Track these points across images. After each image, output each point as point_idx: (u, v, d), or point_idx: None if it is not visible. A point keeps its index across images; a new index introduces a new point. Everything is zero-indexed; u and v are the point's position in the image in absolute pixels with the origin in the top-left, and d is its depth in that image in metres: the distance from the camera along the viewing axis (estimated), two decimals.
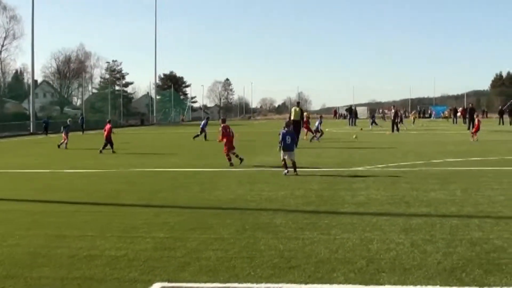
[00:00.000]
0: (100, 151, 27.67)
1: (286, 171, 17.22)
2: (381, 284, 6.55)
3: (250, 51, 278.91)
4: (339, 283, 6.61)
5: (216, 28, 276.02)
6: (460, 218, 10.34)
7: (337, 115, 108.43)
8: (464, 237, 8.87)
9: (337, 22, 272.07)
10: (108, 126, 28.98)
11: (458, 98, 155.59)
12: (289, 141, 17.61)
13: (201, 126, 39.77)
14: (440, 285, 6.50)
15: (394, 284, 6.56)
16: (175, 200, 12.87)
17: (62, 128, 35.15)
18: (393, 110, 50.72)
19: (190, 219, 10.59)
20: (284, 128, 18.12)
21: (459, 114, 76.36)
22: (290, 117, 28.69)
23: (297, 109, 30.15)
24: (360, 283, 6.57)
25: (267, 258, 7.69)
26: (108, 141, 28.30)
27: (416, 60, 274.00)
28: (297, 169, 17.24)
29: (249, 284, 6.58)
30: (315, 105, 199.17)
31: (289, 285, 6.55)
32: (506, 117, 70.53)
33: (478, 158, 21.98)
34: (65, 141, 32.72)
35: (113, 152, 27.51)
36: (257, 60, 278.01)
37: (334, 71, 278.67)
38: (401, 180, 15.46)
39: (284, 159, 17.51)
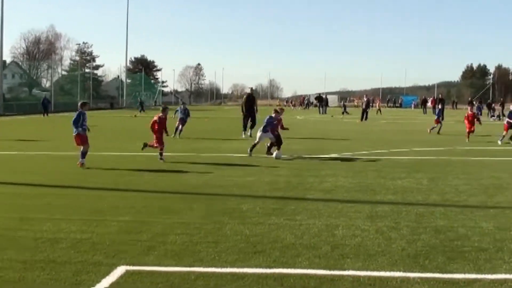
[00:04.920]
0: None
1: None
2: (345, 269, 6.58)
3: (222, 37, 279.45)
4: (303, 267, 6.64)
5: (188, 13, 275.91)
6: (426, 206, 10.45)
7: (305, 103, 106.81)
8: (429, 224, 8.96)
9: (311, 9, 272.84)
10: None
11: (429, 88, 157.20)
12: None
13: (179, 117, 27.73)
14: (403, 271, 6.56)
15: (358, 269, 6.60)
16: (142, 184, 12.78)
17: None
18: (364, 99, 51.01)
19: (156, 203, 10.54)
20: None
21: (429, 104, 76.92)
22: (243, 105, 28.42)
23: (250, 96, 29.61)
24: (324, 268, 6.60)
25: (233, 243, 7.69)
26: None
27: (388, 50, 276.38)
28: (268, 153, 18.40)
29: (213, 269, 6.56)
30: (286, 92, 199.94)
31: (253, 269, 6.54)
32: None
33: (446, 148, 22.17)
34: None
35: None
36: (229, 45, 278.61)
37: (306, 59, 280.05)
38: (368, 168, 15.54)
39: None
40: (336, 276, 6.35)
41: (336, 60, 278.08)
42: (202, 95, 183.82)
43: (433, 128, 31.42)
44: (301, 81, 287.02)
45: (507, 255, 7.36)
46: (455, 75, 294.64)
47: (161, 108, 18.47)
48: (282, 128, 19.74)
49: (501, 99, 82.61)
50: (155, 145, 17.36)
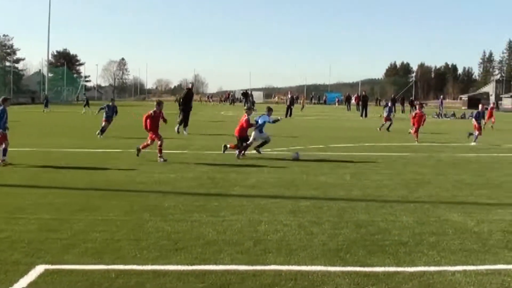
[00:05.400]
0: None
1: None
2: (267, 264, 6.61)
3: (147, 31, 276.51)
4: (225, 264, 6.62)
5: (112, 6, 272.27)
6: (348, 201, 10.61)
7: (230, 99, 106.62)
8: (350, 219, 9.09)
9: (235, 4, 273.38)
10: None
11: (353, 85, 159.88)
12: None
13: (106, 115, 24.99)
14: (324, 265, 6.64)
15: (280, 264, 6.64)
16: (63, 181, 12.48)
17: None
18: (289, 96, 51.40)
19: (77, 200, 10.30)
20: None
21: (353, 101, 78.09)
22: (180, 99, 28.18)
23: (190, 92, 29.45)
24: (246, 264, 6.61)
25: (154, 240, 7.60)
26: None
27: (313, 47, 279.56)
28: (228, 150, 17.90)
29: (134, 266, 6.47)
30: (212, 88, 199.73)
31: (175, 266, 6.49)
32: (398, 105, 72.87)
33: (370, 144, 22.56)
34: None
35: None
36: (154, 40, 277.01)
37: (232, 55, 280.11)
38: (292, 163, 15.63)
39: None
40: (258, 271, 6.37)
41: (261, 56, 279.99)
42: (126, 90, 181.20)
43: (382, 125, 31.99)
44: (226, 77, 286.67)
45: (426, 248, 7.56)
46: (378, 73, 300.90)
47: (155, 103, 17.35)
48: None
49: (403, 97, 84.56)
50: (149, 143, 16.56)
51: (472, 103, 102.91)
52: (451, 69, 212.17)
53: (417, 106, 26.94)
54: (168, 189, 11.57)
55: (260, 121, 18.03)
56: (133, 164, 15.31)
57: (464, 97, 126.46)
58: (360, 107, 56.65)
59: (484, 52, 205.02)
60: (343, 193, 11.56)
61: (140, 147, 16.62)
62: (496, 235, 8.37)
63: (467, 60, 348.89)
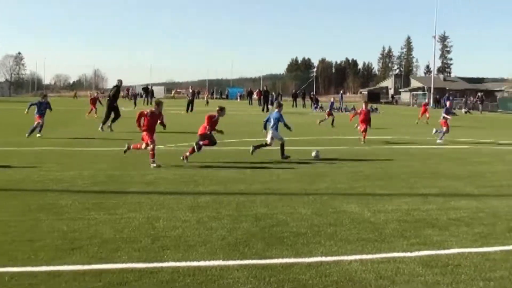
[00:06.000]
0: None
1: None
2: (165, 261, 6.58)
3: (44, 25, 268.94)
4: (122, 262, 6.53)
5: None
6: (247, 195, 10.70)
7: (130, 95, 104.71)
8: (249, 213, 9.18)
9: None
10: None
11: (255, 80, 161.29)
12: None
13: (39, 113, 22.90)
14: (223, 260, 6.67)
15: (178, 260, 6.62)
16: None
17: None
18: (190, 90, 51.26)
19: None
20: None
21: (254, 96, 78.69)
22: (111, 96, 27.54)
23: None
24: (144, 261, 6.55)
25: (50, 241, 7.40)
26: None
27: (215, 42, 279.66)
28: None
29: (28, 268, 6.29)
30: (112, 83, 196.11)
31: (70, 266, 6.34)
32: (299, 100, 74.13)
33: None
34: None
35: None
36: (52, 34, 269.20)
37: (133, 49, 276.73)
38: (193, 159, 15.55)
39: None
40: (155, 268, 6.33)
41: (163, 51, 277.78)
42: (23, 86, 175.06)
43: (324, 120, 32.28)
44: (127, 72, 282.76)
45: (323, 238, 7.73)
46: (281, 68, 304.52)
47: (154, 103, 15.93)
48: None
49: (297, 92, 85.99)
50: (140, 146, 15.08)
51: (372, 97, 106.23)
52: (352, 64, 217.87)
53: (364, 104, 24.07)
54: (65, 187, 11.27)
55: (272, 119, 17.06)
56: (30, 162, 14.78)
57: (364, 91, 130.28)
58: (262, 102, 57.24)
59: (384, 47, 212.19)
60: (243, 187, 11.65)
61: (131, 147, 15.45)
62: (391, 225, 8.66)
63: (367, 56, 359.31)
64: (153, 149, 14.53)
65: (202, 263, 6.53)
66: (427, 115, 38.29)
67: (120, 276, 6.05)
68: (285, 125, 17.02)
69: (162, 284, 5.88)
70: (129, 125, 24.26)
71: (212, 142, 16.06)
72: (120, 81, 29.06)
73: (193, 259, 6.67)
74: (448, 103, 27.15)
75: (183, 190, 11.16)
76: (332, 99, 40.48)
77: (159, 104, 15.60)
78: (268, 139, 16.95)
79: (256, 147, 16.86)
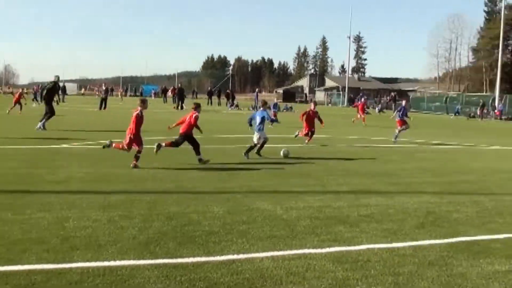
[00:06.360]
0: None
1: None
2: (74, 262, 6.47)
3: None
4: (30, 263, 6.38)
5: None
6: (160, 194, 10.68)
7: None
8: (161, 212, 9.15)
9: None
10: None
11: (169, 78, 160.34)
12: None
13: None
14: (134, 259, 6.64)
15: (88, 261, 6.53)
16: None
17: None
18: (103, 87, 50.47)
19: None
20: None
21: (169, 93, 78.17)
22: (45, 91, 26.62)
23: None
24: (52, 262, 6.43)
25: None
26: None
27: (129, 39, 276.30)
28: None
29: None
30: (23, 79, 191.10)
31: None
32: (215, 97, 74.00)
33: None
34: None
35: None
36: None
37: (45, 45, 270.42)
38: (104, 157, 15.33)
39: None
40: (64, 269, 6.22)
41: (75, 47, 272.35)
42: None
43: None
44: (39, 68, 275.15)
45: (235, 236, 7.81)
46: (196, 66, 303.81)
47: (139, 101, 15.03)
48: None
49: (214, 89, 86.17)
50: (125, 147, 14.30)
51: (287, 96, 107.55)
52: (268, 63, 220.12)
53: (312, 104, 23.16)
54: None
55: (258, 118, 17.04)
56: None
57: (280, 90, 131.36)
58: (176, 99, 56.84)
59: (299, 47, 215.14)
60: (156, 185, 11.58)
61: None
62: (303, 221, 8.83)
63: (283, 55, 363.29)
64: (139, 152, 14.17)
65: (112, 263, 6.47)
66: (363, 116, 37.90)
67: (28, 278, 5.91)
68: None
69: (71, 285, 5.79)
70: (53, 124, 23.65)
71: (178, 144, 15.72)
72: (57, 77, 28.35)
73: (103, 259, 6.60)
74: (404, 103, 26.49)
75: (94, 189, 10.99)
76: (275, 100, 40.40)
77: (144, 101, 14.97)
78: (255, 139, 17.07)
79: (248, 151, 16.82)
